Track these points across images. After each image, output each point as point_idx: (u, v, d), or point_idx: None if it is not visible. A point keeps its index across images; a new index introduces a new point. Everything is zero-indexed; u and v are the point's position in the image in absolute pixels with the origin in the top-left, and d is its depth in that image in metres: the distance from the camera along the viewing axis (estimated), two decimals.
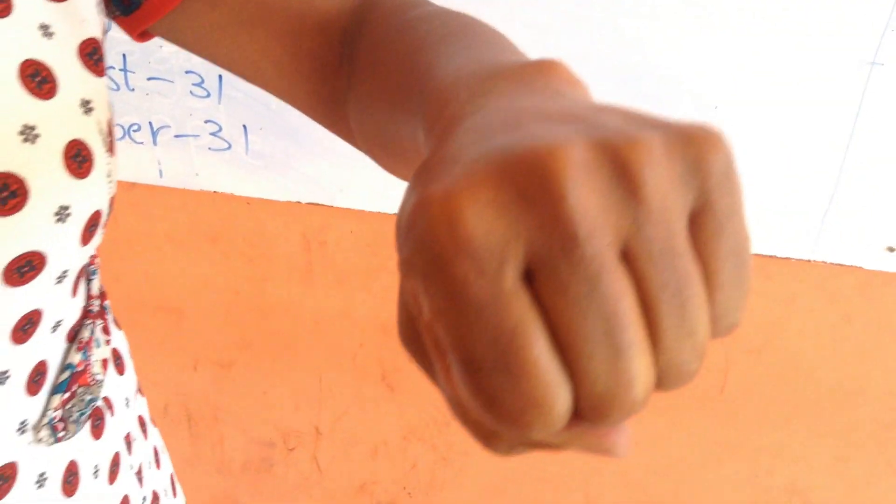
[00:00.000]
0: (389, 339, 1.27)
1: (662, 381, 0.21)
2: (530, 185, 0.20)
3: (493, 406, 0.20)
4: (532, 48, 1.00)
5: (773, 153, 1.06)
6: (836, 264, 1.14)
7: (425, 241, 0.20)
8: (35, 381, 0.42)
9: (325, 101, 0.48)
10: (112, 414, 0.51)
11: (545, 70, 0.26)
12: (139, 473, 0.56)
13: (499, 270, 0.20)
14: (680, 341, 0.20)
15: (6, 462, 0.42)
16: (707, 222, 0.21)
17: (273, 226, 1.19)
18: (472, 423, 0.23)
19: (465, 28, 0.37)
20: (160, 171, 1.14)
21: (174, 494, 0.63)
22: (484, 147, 0.21)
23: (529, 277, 0.20)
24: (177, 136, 1.12)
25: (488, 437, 0.23)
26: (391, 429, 1.35)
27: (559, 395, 0.20)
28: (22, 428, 0.42)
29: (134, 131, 1.11)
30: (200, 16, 0.46)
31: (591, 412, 0.20)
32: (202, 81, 1.09)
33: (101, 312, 0.50)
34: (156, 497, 0.58)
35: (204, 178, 1.16)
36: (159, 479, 0.60)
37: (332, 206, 1.17)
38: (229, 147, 1.13)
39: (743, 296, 0.22)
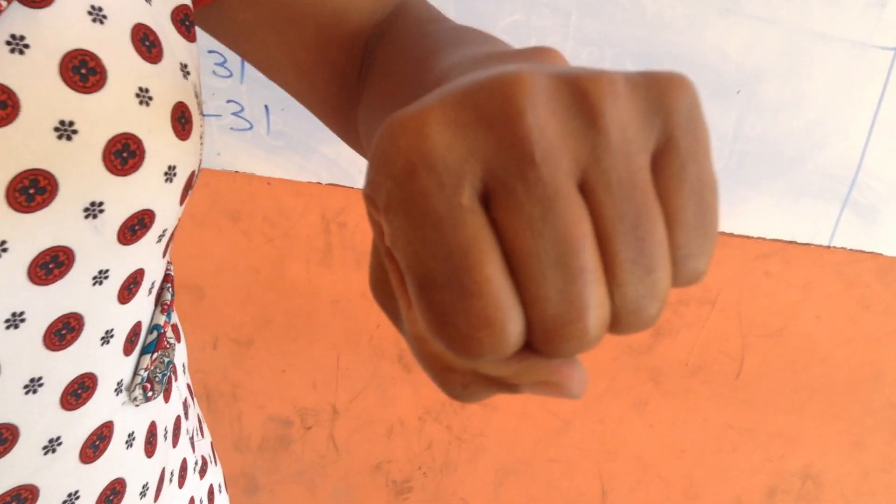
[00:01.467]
0: None
1: (619, 320, 0.21)
2: (491, 105, 0.20)
3: (444, 325, 0.20)
4: (553, 29, 1.00)
5: (794, 139, 1.06)
6: (855, 251, 1.13)
7: (389, 158, 0.21)
8: (131, 341, 0.44)
9: (338, 107, 0.49)
10: (176, 379, 0.53)
11: (540, 52, 0.27)
12: (192, 439, 0.58)
13: (457, 185, 0.20)
14: (637, 276, 0.20)
15: (105, 421, 0.43)
16: (669, 161, 0.21)
17: (293, 206, 1.20)
18: (428, 356, 0.23)
19: (480, 35, 0.39)
20: None
21: (215, 463, 0.65)
22: (457, 81, 0.22)
23: (488, 203, 0.21)
24: None
25: (443, 373, 0.23)
26: (407, 409, 1.37)
27: (511, 316, 0.20)
28: (118, 388, 0.43)
29: None
30: (236, 12, 0.47)
31: (542, 340, 0.20)
32: (225, 61, 1.09)
33: (171, 277, 0.52)
34: (205, 462, 0.61)
35: (225, 157, 1.16)
36: (204, 445, 0.62)
37: (351, 188, 1.17)
38: (251, 127, 1.14)
39: (706, 241, 0.22)
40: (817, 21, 0.98)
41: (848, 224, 1.11)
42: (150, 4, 0.39)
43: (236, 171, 1.17)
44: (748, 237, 1.14)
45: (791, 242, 1.14)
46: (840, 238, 1.13)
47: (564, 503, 1.43)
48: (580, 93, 0.20)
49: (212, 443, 0.65)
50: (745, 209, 1.12)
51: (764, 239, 1.14)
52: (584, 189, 0.20)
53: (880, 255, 1.13)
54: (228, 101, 1.12)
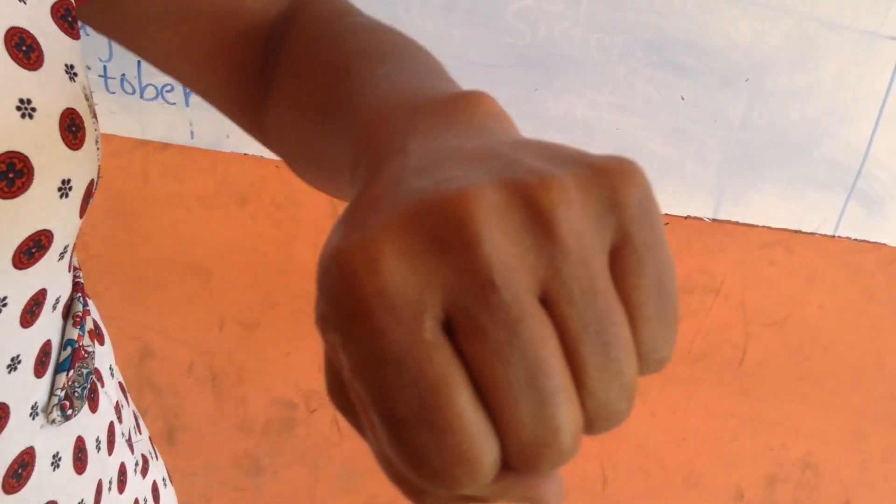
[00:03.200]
0: None
1: (592, 424, 0.21)
2: (444, 232, 0.19)
3: (419, 464, 0.20)
4: (563, 15, 1.01)
5: (801, 128, 1.06)
6: (860, 241, 1.14)
7: (340, 294, 0.20)
8: (41, 362, 0.42)
9: (242, 105, 0.46)
10: (102, 385, 0.51)
11: (470, 104, 0.26)
12: (129, 440, 0.56)
13: (417, 320, 0.19)
14: (606, 383, 0.20)
15: (24, 448, 0.41)
16: (627, 258, 0.21)
17: (301, 189, 1.20)
18: (401, 479, 0.22)
19: (395, 47, 0.37)
20: (192, 133, 1.15)
21: (156, 457, 0.63)
22: (400, 194, 0.21)
23: (449, 328, 0.20)
24: None
25: (417, 495, 0.22)
26: None
27: (486, 449, 0.20)
28: (34, 412, 0.41)
29: (167, 91, 1.12)
30: (123, 5, 0.44)
31: (519, 463, 0.20)
32: None
33: (81, 284, 0.50)
34: (145, 461, 0.59)
35: (234, 140, 1.17)
36: (143, 443, 0.60)
37: None
38: None
39: (670, 329, 0.22)
40: (827, 10, 0.99)
41: (853, 214, 1.12)
42: (25, 3, 0.36)
43: (245, 154, 1.18)
44: (753, 226, 1.15)
45: (796, 232, 1.15)
46: (845, 228, 1.13)
47: (566, 489, 1.44)
48: (532, 205, 0.20)
49: (150, 437, 0.63)
50: (751, 198, 1.12)
51: (769, 228, 1.14)
52: (546, 301, 0.20)
53: (885, 245, 1.14)
54: None
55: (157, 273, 1.28)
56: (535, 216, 0.20)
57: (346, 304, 0.20)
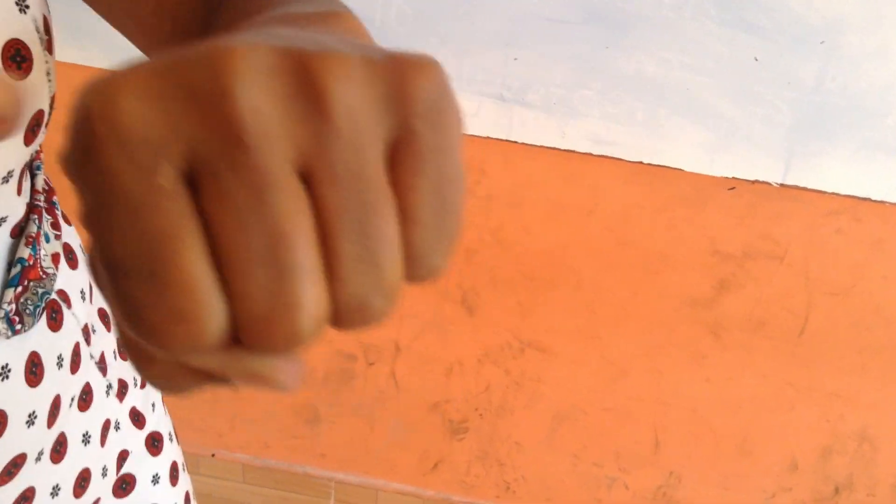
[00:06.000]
0: (471, 263, 1.31)
1: (341, 316, 0.20)
2: (198, 80, 0.18)
3: (137, 319, 0.19)
4: None
5: (874, 92, 1.05)
6: None
7: (78, 126, 0.18)
8: None
9: None
10: (69, 306, 0.52)
11: (329, 19, 0.25)
12: (101, 363, 0.57)
13: (152, 164, 0.18)
14: (361, 274, 0.19)
15: None
16: (407, 155, 0.20)
17: None
18: (128, 341, 0.21)
19: None
20: None
21: (142, 385, 0.63)
22: (168, 53, 0.19)
23: (196, 186, 0.19)
24: None
25: (143, 361, 0.21)
26: (467, 351, 1.40)
27: (210, 311, 0.18)
28: None
29: None
30: None
31: (247, 337, 0.19)
32: None
33: (51, 209, 0.51)
34: (123, 384, 0.60)
35: None
36: (125, 367, 0.60)
37: None
38: None
39: (445, 238, 0.21)
40: None
41: None
42: None
43: None
44: (821, 192, 1.14)
45: (864, 199, 1.13)
46: None
47: (617, 452, 1.46)
48: (305, 72, 0.18)
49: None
50: (820, 163, 1.11)
51: (836, 194, 1.13)
52: (308, 180, 0.19)
53: None
54: None
55: None
56: (306, 84, 0.18)
57: (80, 139, 0.18)
